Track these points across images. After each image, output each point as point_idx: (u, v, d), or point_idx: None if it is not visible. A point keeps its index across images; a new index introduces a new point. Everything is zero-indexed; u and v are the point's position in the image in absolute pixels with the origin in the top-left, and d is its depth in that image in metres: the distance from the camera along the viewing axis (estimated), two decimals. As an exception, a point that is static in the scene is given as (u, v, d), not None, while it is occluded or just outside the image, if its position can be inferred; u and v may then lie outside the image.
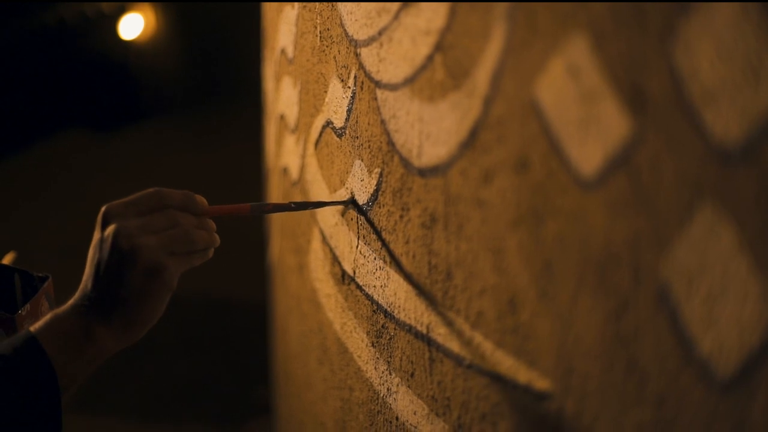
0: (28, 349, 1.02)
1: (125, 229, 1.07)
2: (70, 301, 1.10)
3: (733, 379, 0.68)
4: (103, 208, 1.10)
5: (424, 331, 1.15)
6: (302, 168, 1.83)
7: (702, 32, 0.67)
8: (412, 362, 1.21)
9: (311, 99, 1.70)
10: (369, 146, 1.30)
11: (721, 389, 0.69)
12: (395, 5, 1.14)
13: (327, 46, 1.53)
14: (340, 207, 1.48)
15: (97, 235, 1.09)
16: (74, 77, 6.70)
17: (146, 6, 6.97)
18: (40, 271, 1.42)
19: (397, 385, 1.27)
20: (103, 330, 1.07)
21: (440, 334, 1.10)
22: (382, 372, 1.33)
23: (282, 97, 2.09)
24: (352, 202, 1.40)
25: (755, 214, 0.65)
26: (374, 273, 1.33)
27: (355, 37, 1.33)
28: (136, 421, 3.68)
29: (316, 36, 1.61)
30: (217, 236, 1.16)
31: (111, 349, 1.09)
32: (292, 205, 1.42)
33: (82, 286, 1.10)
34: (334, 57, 1.47)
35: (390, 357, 1.29)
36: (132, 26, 6.82)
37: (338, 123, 1.48)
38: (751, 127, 0.64)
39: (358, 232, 1.40)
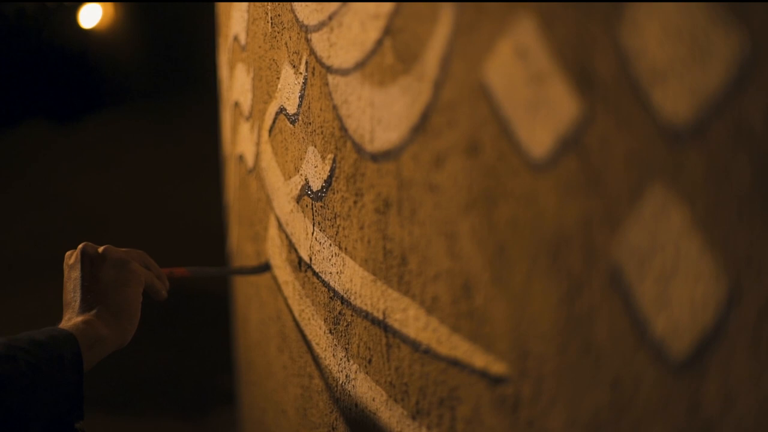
0: (64, 338, 1.16)
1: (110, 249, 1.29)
2: (71, 316, 1.24)
3: (686, 359, 0.67)
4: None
5: (381, 317, 1.14)
6: (257, 155, 1.82)
7: (649, 11, 0.67)
8: (369, 348, 1.20)
9: (264, 86, 1.68)
10: (322, 132, 1.29)
11: (675, 370, 0.68)
12: (344, -11, 1.13)
13: (278, 32, 1.51)
14: (295, 192, 1.47)
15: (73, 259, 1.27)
16: (34, 68, 6.67)
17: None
18: None
19: (356, 371, 1.26)
20: (101, 324, 1.22)
21: (396, 319, 1.09)
22: (341, 359, 1.32)
23: (236, 84, 2.07)
24: (267, 268, 1.78)
25: (705, 193, 0.65)
26: (330, 259, 1.32)
27: (306, 22, 1.31)
28: (100, 413, 3.65)
29: (268, 22, 1.59)
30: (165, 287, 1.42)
31: (109, 342, 1.22)
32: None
33: (76, 301, 1.25)
34: (286, 43, 1.46)
35: (348, 344, 1.28)
36: (91, 15, 6.80)
37: (291, 109, 1.46)
38: (700, 105, 0.64)
39: (313, 219, 1.39)
